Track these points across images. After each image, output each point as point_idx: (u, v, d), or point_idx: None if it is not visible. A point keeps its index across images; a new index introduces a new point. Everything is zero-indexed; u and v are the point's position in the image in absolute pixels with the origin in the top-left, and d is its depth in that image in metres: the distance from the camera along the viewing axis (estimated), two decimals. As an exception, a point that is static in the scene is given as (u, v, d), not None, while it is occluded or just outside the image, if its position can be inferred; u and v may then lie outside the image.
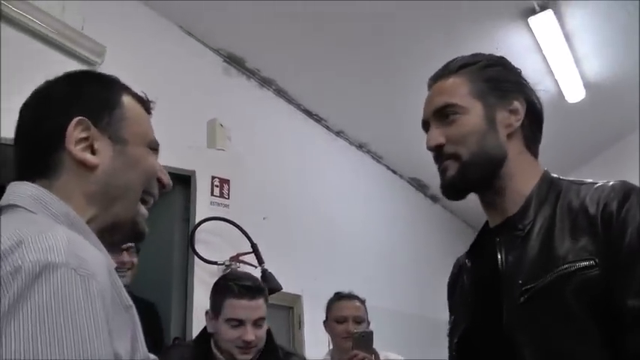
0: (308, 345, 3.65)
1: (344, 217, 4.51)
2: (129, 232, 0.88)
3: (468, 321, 1.10)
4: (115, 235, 0.86)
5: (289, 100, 4.20)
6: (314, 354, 3.46)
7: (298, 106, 4.29)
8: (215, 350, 1.92)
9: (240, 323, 1.87)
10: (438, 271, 5.95)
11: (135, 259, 2.29)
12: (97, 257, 0.68)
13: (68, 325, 0.60)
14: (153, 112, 0.94)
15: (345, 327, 2.30)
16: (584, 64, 3.92)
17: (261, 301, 1.95)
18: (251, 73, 3.87)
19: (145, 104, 0.93)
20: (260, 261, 2.70)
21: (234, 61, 3.73)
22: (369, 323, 2.38)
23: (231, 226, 2.74)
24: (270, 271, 2.59)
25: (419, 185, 5.86)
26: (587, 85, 4.10)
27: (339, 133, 4.70)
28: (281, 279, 2.61)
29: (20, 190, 0.79)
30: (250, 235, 2.76)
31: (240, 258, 2.72)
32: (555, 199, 1.05)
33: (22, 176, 0.82)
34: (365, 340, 2.08)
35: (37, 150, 0.83)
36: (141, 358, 0.72)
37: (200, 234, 2.69)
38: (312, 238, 4.03)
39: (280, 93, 4.11)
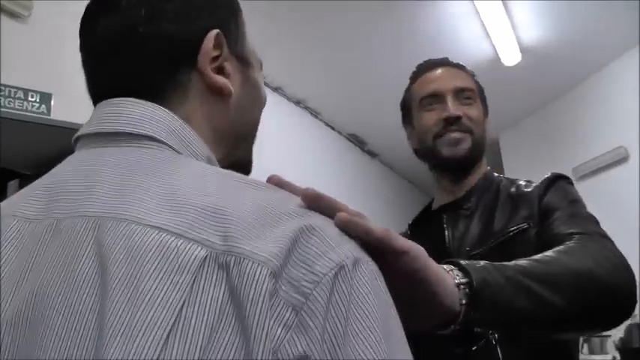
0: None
1: (282, 172, 4.47)
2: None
3: None
4: None
5: (227, 55, 4.07)
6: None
7: (236, 62, 4.17)
8: None
9: None
10: (377, 224, 6.12)
11: None
12: None
13: (395, 327, 0.48)
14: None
15: None
16: (520, 30, 3.96)
17: None
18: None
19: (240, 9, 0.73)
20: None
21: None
22: None
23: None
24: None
25: (357, 141, 5.89)
26: (523, 50, 4.16)
27: (277, 89, 4.63)
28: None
29: (148, 116, 0.57)
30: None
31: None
32: (496, 191, 1.23)
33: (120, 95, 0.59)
34: None
35: (146, 65, 0.60)
36: None
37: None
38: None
39: (217, 48, 3.98)
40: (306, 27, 3.89)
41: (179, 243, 0.43)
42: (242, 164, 0.71)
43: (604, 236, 0.99)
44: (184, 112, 0.60)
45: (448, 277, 0.67)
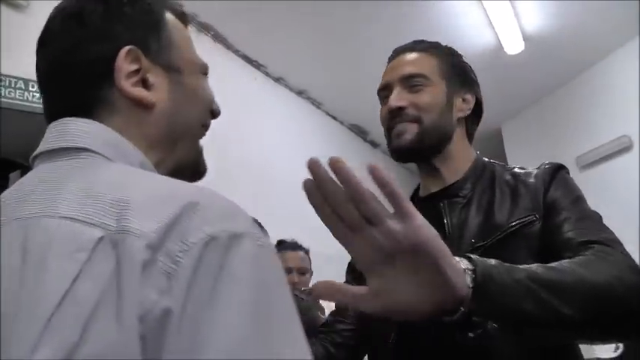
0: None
1: (284, 164, 4.49)
2: (191, 173, 0.79)
3: None
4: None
5: (228, 46, 4.06)
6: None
7: (237, 52, 4.16)
8: None
9: None
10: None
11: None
12: None
13: (277, 307, 0.50)
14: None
15: (290, 278, 2.40)
16: (523, 18, 3.94)
17: None
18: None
19: (185, 20, 0.79)
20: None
21: (169, 3, 3.56)
22: (312, 273, 2.49)
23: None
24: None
25: (359, 131, 5.88)
26: (526, 39, 4.14)
27: (278, 80, 4.62)
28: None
29: (85, 131, 0.64)
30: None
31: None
32: (491, 178, 1.19)
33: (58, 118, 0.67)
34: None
35: (75, 88, 0.68)
36: None
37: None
38: (252, 186, 4.01)
39: (219, 39, 3.96)
40: (308, 17, 3.87)
41: (83, 228, 0.50)
42: (187, 163, 0.77)
43: (617, 242, 0.98)
44: (115, 125, 0.67)
45: (458, 263, 0.72)
